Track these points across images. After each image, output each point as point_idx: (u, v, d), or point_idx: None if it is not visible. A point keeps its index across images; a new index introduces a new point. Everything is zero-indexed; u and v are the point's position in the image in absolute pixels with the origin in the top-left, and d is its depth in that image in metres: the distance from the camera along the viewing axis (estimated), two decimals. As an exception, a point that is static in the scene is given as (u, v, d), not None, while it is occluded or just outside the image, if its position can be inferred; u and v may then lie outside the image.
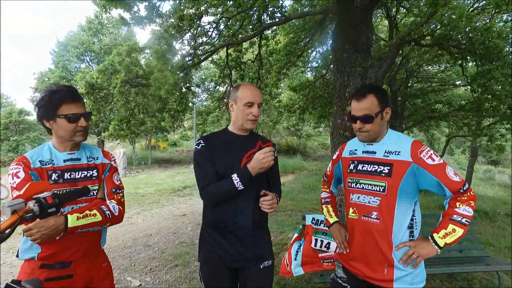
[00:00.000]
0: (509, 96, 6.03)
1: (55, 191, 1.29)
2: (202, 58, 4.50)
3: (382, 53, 7.02)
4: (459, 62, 6.96)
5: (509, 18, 7.29)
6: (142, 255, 5.00)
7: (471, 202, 1.64)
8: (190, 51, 4.38)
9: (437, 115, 10.98)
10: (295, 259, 3.47)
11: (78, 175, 1.70)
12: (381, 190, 1.71)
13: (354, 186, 1.84)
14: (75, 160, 1.72)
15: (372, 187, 1.75)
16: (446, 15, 4.70)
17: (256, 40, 6.77)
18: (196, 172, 1.82)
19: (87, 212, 1.57)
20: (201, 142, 1.84)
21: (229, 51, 6.37)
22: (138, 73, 4.88)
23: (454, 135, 12.92)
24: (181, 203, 9.77)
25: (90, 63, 26.34)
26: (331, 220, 2.12)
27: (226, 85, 7.69)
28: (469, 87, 10.37)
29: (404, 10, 8.76)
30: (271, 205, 1.79)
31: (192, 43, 4.43)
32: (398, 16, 9.34)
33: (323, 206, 2.22)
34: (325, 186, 2.26)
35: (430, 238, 1.66)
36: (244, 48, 6.91)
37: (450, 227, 1.62)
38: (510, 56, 5.99)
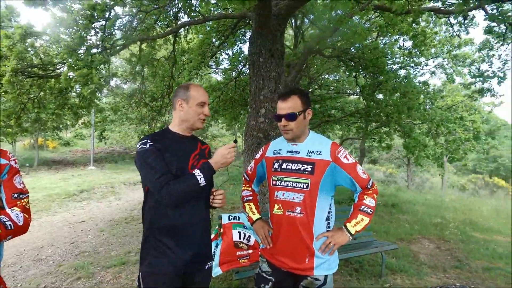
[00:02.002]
0: (389, 105, 7.24)
1: None
2: (114, 51, 4.08)
3: (291, 60, 7.53)
4: (353, 73, 8.00)
5: (388, 41, 8.70)
6: (32, 272, 4.30)
7: (374, 195, 1.93)
8: (97, 42, 3.91)
9: (333, 119, 12.31)
10: (213, 260, 3.48)
11: None
12: (304, 187, 1.85)
13: (279, 184, 1.95)
14: None
15: (296, 184, 1.88)
16: (348, 31, 5.37)
17: (171, 37, 6.52)
18: (146, 173, 1.65)
19: None
20: (149, 141, 1.70)
21: (142, 46, 5.98)
22: (33, 62, 4.13)
23: (347, 137, 14.70)
24: (78, 209, 8.74)
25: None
26: (254, 217, 2.18)
27: (138, 82, 7.20)
28: (359, 96, 11.95)
29: (308, 22, 9.58)
30: (222, 199, 1.85)
31: (100, 34, 3.97)
32: (302, 28, 10.19)
33: (245, 204, 2.27)
34: (247, 185, 2.33)
35: (343, 227, 1.89)
36: (158, 45, 6.58)
37: (359, 216, 1.87)
38: (393, 70, 7.24)
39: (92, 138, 20.32)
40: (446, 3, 5.78)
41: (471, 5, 4.24)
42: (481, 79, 6.64)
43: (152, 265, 1.69)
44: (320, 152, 1.89)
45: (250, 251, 3.75)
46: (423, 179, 28.23)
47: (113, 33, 4.38)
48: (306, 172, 1.86)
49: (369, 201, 1.89)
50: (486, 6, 4.53)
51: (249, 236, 3.74)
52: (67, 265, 4.51)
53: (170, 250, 1.68)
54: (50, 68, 4.25)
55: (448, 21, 6.13)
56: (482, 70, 6.84)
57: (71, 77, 3.35)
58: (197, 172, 1.67)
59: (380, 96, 7.99)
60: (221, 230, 3.71)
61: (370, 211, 1.88)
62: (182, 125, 1.84)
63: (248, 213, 2.24)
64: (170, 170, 1.68)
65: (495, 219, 9.58)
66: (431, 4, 5.89)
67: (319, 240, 1.86)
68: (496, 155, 35.67)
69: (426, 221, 8.11)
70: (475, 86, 7.26)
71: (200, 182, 1.65)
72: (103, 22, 3.84)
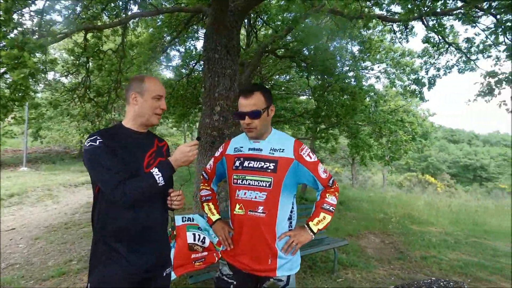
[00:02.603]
0: (338, 106, 7.58)
1: None
2: (55, 38, 3.60)
3: (244, 59, 7.51)
4: (305, 74, 8.22)
5: (338, 44, 9.09)
6: None
7: (336, 193, 1.95)
8: (34, 28, 3.44)
9: (283, 120, 12.54)
10: (171, 266, 3.31)
11: None
12: (267, 185, 1.80)
13: (241, 183, 1.87)
14: None
15: (258, 183, 1.82)
16: (301, 32, 5.50)
17: (120, 29, 6.08)
18: (97, 172, 1.50)
19: None
20: (98, 138, 1.53)
21: (87, 36, 5.46)
22: None
23: (297, 138, 15.11)
24: (6, 215, 7.79)
25: None
26: (214, 218, 2.09)
27: (82, 75, 6.57)
28: (308, 97, 12.33)
29: (261, 22, 9.64)
30: (181, 200, 1.73)
31: (37, 18, 3.50)
32: (256, 27, 10.23)
33: (204, 204, 2.17)
34: (205, 184, 2.22)
35: (306, 226, 1.88)
36: (105, 36, 6.09)
37: (322, 215, 1.88)
38: (342, 72, 7.59)
39: (25, 136, 18.37)
40: (391, 12, 6.20)
41: (415, 14, 4.58)
42: (415, 82, 7.28)
43: (103, 274, 1.53)
44: (283, 149, 1.86)
45: (205, 253, 3.63)
46: (366, 177, 30.18)
47: (53, 19, 3.92)
48: (269, 170, 1.81)
49: (331, 199, 1.90)
50: (427, 17, 4.92)
51: (204, 238, 3.62)
52: (-8, 280, 3.97)
53: (123, 257, 1.54)
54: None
55: (392, 29, 6.60)
56: (418, 75, 7.50)
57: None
58: (155, 171, 1.55)
59: (330, 97, 8.31)
60: (174, 233, 3.54)
61: (332, 209, 1.89)
62: (137, 120, 1.69)
63: (207, 214, 2.14)
64: (124, 169, 1.54)
65: (428, 212, 10.51)
66: (378, 12, 6.27)
67: (281, 240, 1.83)
68: (427, 154, 39.54)
69: (371, 217, 8.62)
70: (409, 88, 7.93)
71: (158, 181, 1.53)
72: (40, 5, 3.41)
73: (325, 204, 1.89)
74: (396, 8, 6.05)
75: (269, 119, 1.91)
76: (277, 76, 12.88)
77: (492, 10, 4.11)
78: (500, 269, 5.04)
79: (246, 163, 1.88)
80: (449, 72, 6.59)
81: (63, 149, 24.57)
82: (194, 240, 3.57)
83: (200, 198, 2.21)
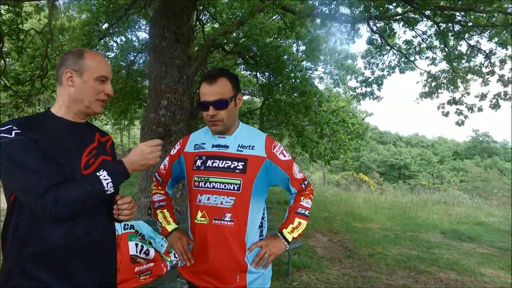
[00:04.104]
0: (287, 105, 7.57)
1: None
2: None
3: (190, 52, 7.13)
4: (254, 72, 8.08)
5: (287, 42, 9.12)
6: None
7: (311, 195, 1.75)
8: None
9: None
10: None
11: None
12: (235, 188, 1.53)
13: (203, 186, 1.57)
14: None
15: (225, 186, 1.54)
16: (255, 28, 5.29)
17: (47, 6, 5.20)
18: (16, 173, 1.08)
19: None
20: (15, 128, 1.10)
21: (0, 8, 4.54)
22: None
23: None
24: None
25: None
26: (169, 228, 1.75)
27: None
28: (250, 97, 12.27)
29: (206, 15, 9.27)
30: (131, 209, 1.36)
31: None
32: (202, 20, 9.81)
33: (157, 211, 1.81)
34: (159, 187, 1.87)
35: (279, 234, 1.64)
36: (26, 13, 5.13)
37: (296, 220, 1.65)
38: (290, 69, 7.63)
39: None
40: (338, 13, 6.33)
41: (371, 13, 4.68)
42: (364, 84, 7.57)
43: None
44: (253, 146, 1.59)
45: (151, 265, 3.23)
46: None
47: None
48: (237, 171, 1.53)
49: (306, 203, 1.70)
50: (374, 20, 5.09)
51: (148, 250, 3.23)
52: None
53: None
54: None
55: (341, 30, 6.79)
56: (365, 76, 7.80)
57: None
58: (103, 174, 1.17)
59: (278, 96, 8.29)
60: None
61: (308, 213, 1.69)
62: (72, 107, 1.28)
63: (161, 223, 1.77)
64: (54, 170, 1.13)
65: (367, 209, 11.11)
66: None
67: (251, 252, 1.56)
68: (360, 154, 42.70)
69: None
70: (361, 90, 8.22)
71: (106, 188, 1.16)
72: None
73: (300, 209, 1.68)
74: (345, 10, 6.20)
75: (237, 110, 1.63)
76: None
77: (436, 18, 4.39)
78: (435, 260, 5.42)
79: (209, 163, 1.59)
80: (392, 72, 7.00)
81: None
82: (137, 251, 3.18)
83: (152, 204, 1.85)
